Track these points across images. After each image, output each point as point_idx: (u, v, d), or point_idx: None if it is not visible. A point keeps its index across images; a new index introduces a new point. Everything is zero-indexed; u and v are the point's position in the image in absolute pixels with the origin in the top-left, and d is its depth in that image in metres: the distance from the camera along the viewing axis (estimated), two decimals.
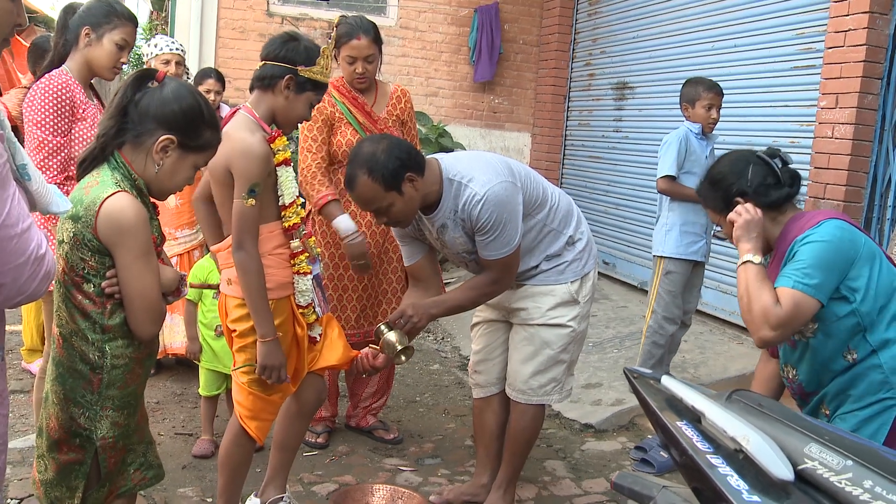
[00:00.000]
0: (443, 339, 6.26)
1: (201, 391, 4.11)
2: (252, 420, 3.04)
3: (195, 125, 2.29)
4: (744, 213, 2.62)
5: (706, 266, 4.99)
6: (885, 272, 2.54)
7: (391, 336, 3.20)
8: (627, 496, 1.75)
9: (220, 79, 5.46)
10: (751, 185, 2.64)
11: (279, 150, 2.92)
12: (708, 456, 1.29)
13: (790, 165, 2.73)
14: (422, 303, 3.30)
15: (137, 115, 2.25)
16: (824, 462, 1.24)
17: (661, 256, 4.80)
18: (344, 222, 3.86)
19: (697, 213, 4.68)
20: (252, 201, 2.82)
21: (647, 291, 7.05)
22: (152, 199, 2.34)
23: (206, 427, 4.10)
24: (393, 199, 3.05)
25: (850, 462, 1.22)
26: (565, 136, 8.78)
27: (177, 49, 4.71)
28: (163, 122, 2.24)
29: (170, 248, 4.74)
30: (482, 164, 3.22)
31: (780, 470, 1.22)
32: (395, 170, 3.01)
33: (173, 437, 4.21)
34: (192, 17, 7.87)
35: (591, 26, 8.35)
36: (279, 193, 2.96)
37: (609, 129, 7.96)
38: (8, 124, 1.60)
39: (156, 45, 4.64)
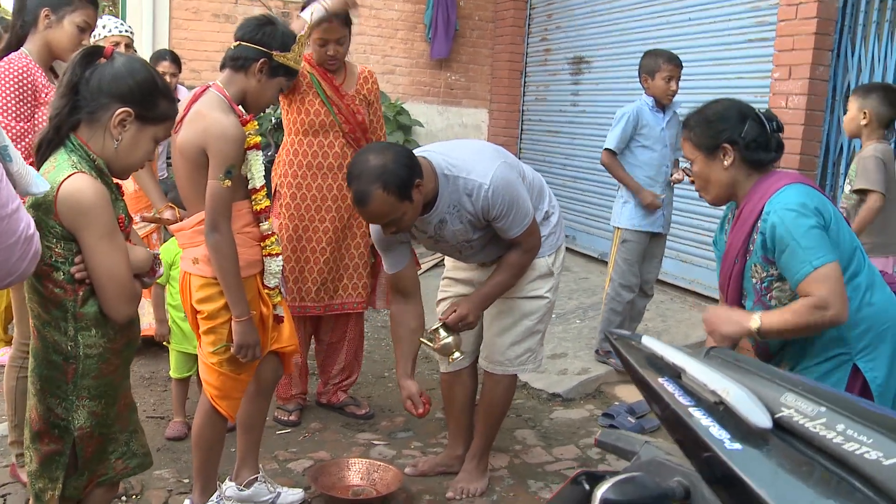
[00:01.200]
0: None
1: (172, 374, 4.11)
2: (223, 399, 3.05)
3: (151, 96, 2.27)
4: (712, 317, 2.68)
5: (668, 237, 5.09)
6: (844, 234, 2.61)
7: (450, 340, 3.33)
8: (611, 452, 1.81)
9: (176, 60, 5.43)
10: (744, 137, 2.65)
11: (250, 134, 2.93)
12: (689, 409, 1.34)
13: (779, 134, 2.75)
14: (471, 299, 3.34)
15: (90, 92, 2.22)
16: (799, 409, 1.30)
17: (618, 227, 4.91)
18: None
19: (652, 186, 4.77)
20: (228, 182, 2.82)
21: (607, 262, 7.19)
22: (115, 181, 2.32)
23: (177, 409, 4.11)
24: (406, 209, 3.00)
25: (823, 408, 1.29)
26: (522, 111, 8.83)
27: (125, 31, 4.67)
28: (117, 96, 2.22)
29: None
30: (472, 154, 3.25)
31: (759, 418, 1.28)
32: (407, 179, 2.96)
33: (145, 421, 4.18)
34: None
35: (546, 1, 8.39)
36: (249, 177, 2.97)
37: (566, 104, 8.03)
38: None
39: (104, 27, 4.58)
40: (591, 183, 7.55)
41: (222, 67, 3.02)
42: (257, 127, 3.00)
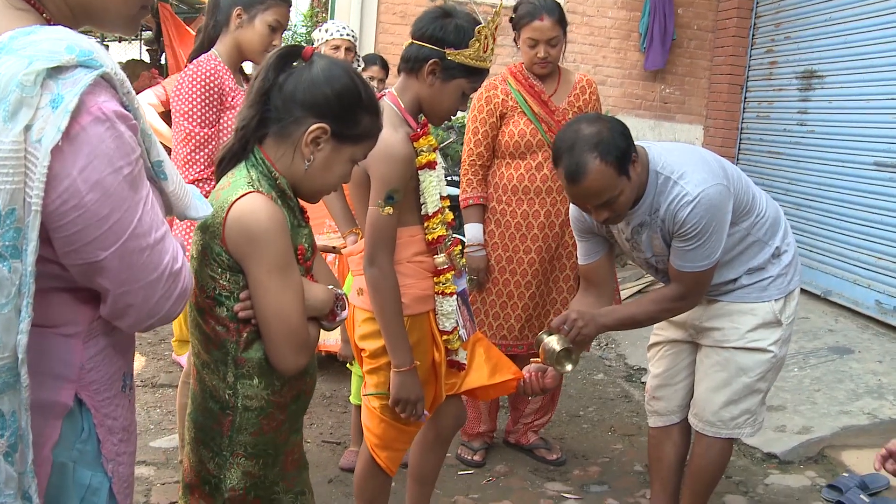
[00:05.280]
0: (606, 345, 5.80)
1: (352, 399, 3.84)
2: (383, 450, 2.69)
3: (352, 111, 1.89)
4: None
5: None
6: None
7: (552, 341, 2.73)
8: None
9: (385, 66, 5.21)
10: None
11: (422, 151, 2.51)
12: None
13: None
14: (591, 311, 2.87)
15: (281, 100, 1.87)
16: None
17: None
18: (473, 230, 3.65)
19: None
20: (389, 210, 2.41)
21: (831, 301, 6.47)
22: (301, 204, 1.98)
23: (355, 437, 3.82)
24: (623, 186, 2.59)
25: None
26: (741, 129, 8.15)
27: (348, 35, 4.46)
28: (313, 109, 1.85)
29: None
30: (696, 160, 2.76)
31: None
32: (625, 149, 2.57)
33: (320, 446, 3.97)
34: (353, 2, 7.68)
35: (775, 9, 7.69)
36: (421, 201, 2.55)
37: (792, 123, 7.30)
38: (143, 115, 1.32)
39: (326, 31, 4.42)
40: (815, 211, 6.81)
41: (399, 71, 2.60)
42: (433, 143, 2.56)
